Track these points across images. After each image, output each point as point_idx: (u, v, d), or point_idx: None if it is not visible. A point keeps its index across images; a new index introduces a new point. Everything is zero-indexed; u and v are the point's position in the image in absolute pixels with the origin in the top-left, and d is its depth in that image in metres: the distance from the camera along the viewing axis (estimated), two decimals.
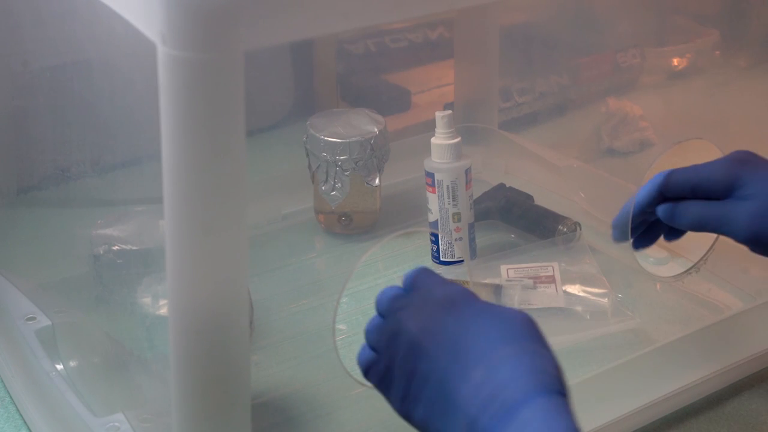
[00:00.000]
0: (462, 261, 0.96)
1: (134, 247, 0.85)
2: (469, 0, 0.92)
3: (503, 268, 0.95)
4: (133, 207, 0.86)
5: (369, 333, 0.64)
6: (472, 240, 0.98)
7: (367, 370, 0.63)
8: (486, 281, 0.94)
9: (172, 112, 0.54)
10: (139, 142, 0.70)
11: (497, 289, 0.92)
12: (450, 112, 0.95)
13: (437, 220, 0.96)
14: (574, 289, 0.93)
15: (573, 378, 0.80)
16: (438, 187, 0.95)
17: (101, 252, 0.86)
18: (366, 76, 1.37)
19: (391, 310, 0.63)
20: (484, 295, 0.91)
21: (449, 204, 0.95)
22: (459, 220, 0.96)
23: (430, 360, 0.59)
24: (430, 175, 0.96)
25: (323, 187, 1.01)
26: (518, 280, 0.94)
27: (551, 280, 0.94)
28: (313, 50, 1.29)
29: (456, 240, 0.96)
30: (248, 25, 0.52)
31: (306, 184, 1.03)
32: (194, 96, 0.53)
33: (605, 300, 0.92)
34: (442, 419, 0.58)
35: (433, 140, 0.95)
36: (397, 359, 0.61)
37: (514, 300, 0.91)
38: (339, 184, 1.00)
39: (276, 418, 0.80)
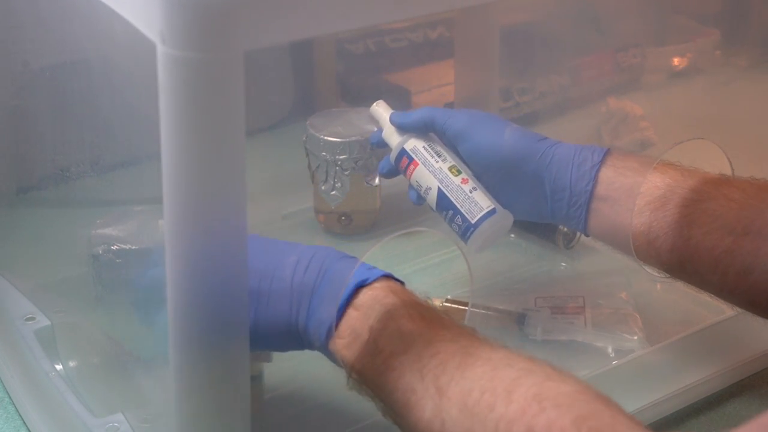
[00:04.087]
0: (494, 209, 0.84)
1: (134, 247, 0.85)
2: (469, 0, 0.92)
3: (531, 296, 0.92)
4: (133, 207, 0.86)
5: None
6: (487, 189, 0.85)
7: None
8: (508, 308, 0.90)
9: (171, 112, 0.54)
10: (139, 142, 0.69)
11: (520, 317, 0.88)
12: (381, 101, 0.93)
13: (441, 195, 0.85)
14: (604, 325, 0.88)
15: None
16: (417, 155, 0.87)
17: (100, 252, 0.86)
18: (366, 76, 1.37)
19: None
20: (506, 323, 0.88)
21: (440, 162, 0.86)
22: (460, 172, 0.85)
23: (253, 273, 0.66)
24: (403, 153, 0.87)
25: (323, 187, 1.00)
26: (539, 309, 0.90)
27: (580, 311, 0.90)
28: (313, 50, 1.29)
29: (472, 191, 0.84)
30: (248, 25, 0.52)
31: (306, 184, 1.03)
32: (194, 96, 0.53)
33: (635, 339, 0.87)
34: (267, 308, 0.66)
35: (380, 118, 0.92)
36: None
37: (537, 329, 0.87)
38: (339, 184, 1.00)
39: (276, 418, 0.80)
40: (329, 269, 0.67)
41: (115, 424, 0.74)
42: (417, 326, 0.62)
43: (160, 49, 0.52)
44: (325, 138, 0.99)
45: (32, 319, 0.86)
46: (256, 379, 0.77)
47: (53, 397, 0.79)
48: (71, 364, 0.83)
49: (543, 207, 0.84)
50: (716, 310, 0.92)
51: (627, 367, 0.82)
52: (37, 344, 0.83)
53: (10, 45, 0.90)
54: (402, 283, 0.68)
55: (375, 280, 0.66)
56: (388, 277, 0.67)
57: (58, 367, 0.82)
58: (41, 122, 0.90)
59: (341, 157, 0.98)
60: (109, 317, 0.84)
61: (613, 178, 0.81)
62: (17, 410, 0.83)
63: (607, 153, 0.82)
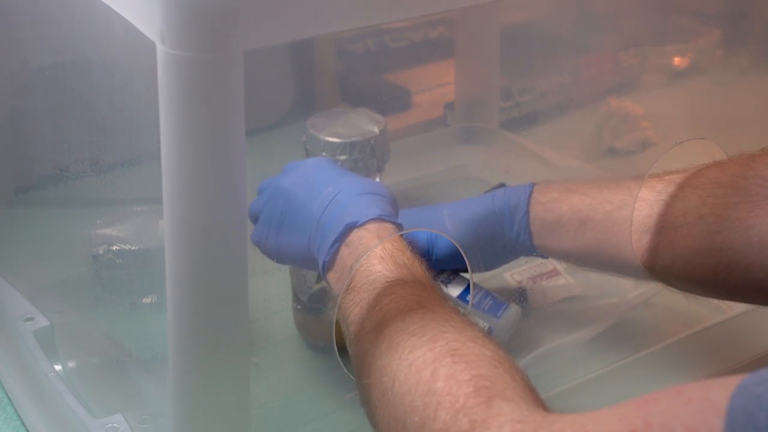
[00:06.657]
0: (490, 329, 0.84)
1: (133, 247, 0.85)
2: (469, 0, 0.92)
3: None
4: (133, 207, 0.86)
5: (259, 191, 0.78)
6: (484, 297, 0.85)
7: (254, 223, 0.77)
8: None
9: (171, 112, 0.54)
10: (139, 142, 0.69)
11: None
12: None
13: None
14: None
15: (573, 379, 0.81)
16: None
17: (100, 252, 0.86)
18: (366, 76, 1.37)
19: (272, 181, 0.77)
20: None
21: None
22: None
23: (292, 196, 0.74)
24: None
25: None
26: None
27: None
28: (313, 50, 1.29)
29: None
30: (248, 25, 0.52)
31: None
32: (194, 96, 0.53)
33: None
34: (294, 232, 0.73)
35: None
36: (266, 206, 0.75)
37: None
38: None
39: (275, 419, 0.80)
40: (342, 206, 0.73)
41: (114, 425, 0.74)
42: (385, 268, 0.67)
43: (160, 49, 0.52)
44: (326, 138, 0.98)
45: (31, 319, 0.86)
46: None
47: (52, 397, 0.79)
48: (70, 364, 0.83)
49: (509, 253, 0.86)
50: (716, 310, 0.92)
51: (627, 367, 0.82)
52: (36, 345, 0.83)
53: (10, 45, 0.90)
54: (399, 225, 0.72)
55: (367, 222, 0.71)
56: (383, 219, 0.72)
57: (57, 367, 0.82)
58: (41, 122, 0.90)
59: (341, 157, 0.98)
60: (109, 317, 0.84)
61: (543, 234, 0.83)
62: (16, 411, 0.83)
63: (528, 209, 0.84)
